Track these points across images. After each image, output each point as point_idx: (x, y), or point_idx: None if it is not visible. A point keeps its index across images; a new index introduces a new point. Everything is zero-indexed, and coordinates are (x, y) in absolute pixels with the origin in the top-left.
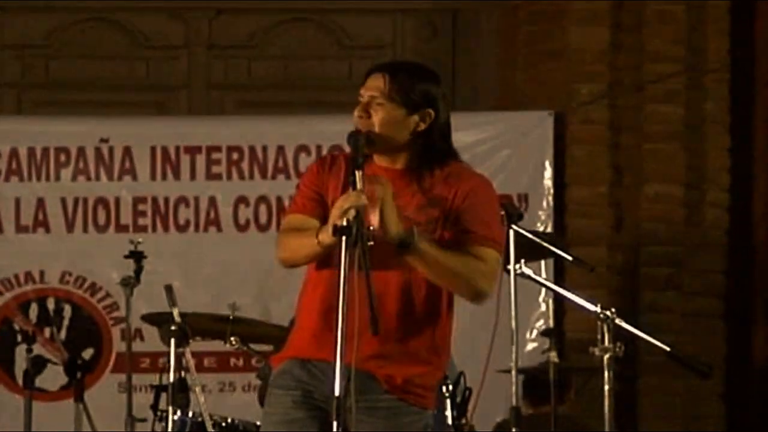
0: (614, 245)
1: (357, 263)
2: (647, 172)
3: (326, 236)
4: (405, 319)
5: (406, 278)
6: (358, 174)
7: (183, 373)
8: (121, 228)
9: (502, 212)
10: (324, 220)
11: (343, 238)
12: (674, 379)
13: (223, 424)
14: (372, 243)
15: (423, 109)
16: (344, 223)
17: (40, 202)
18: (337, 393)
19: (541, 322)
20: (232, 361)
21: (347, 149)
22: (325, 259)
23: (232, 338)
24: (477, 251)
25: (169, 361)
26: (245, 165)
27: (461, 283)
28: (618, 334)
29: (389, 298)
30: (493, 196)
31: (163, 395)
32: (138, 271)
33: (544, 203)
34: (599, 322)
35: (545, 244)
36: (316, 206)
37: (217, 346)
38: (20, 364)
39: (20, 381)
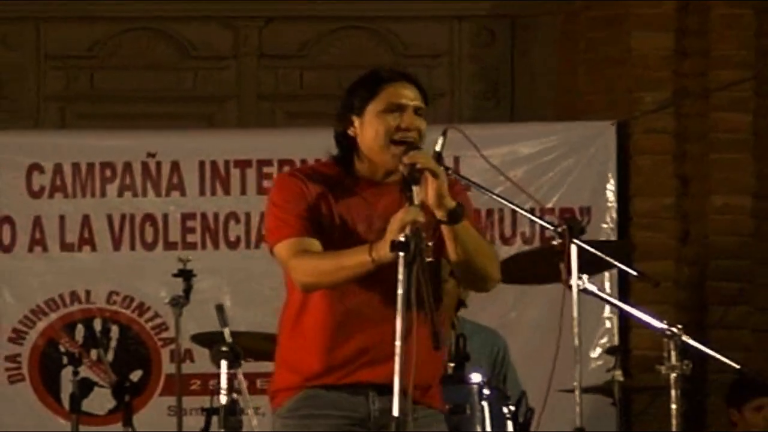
0: (681, 259)
1: (416, 279)
2: (714, 183)
3: (384, 253)
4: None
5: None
6: (415, 189)
7: (235, 396)
8: (169, 245)
9: (563, 225)
10: (331, 241)
11: (401, 254)
12: None
13: None
14: (431, 259)
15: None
16: (402, 239)
17: (86, 219)
18: (395, 413)
19: (606, 339)
20: None
21: None
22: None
23: None
24: (488, 242)
25: (220, 382)
26: None
27: (484, 264)
28: (685, 351)
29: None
30: (465, 192)
31: (215, 418)
32: (187, 289)
33: (608, 216)
34: (666, 339)
35: (609, 259)
36: (314, 227)
37: (269, 366)
38: (66, 387)
39: (66, 405)
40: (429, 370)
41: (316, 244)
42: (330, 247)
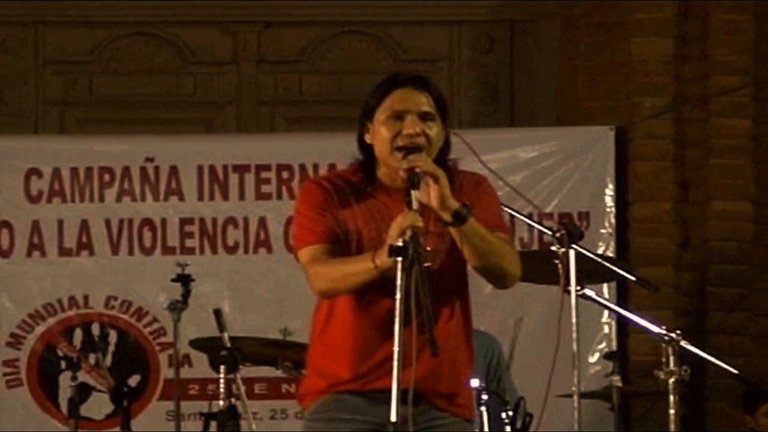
0: (680, 264)
1: (414, 285)
2: (714, 189)
3: (384, 259)
4: (450, 337)
5: (449, 301)
6: (414, 194)
7: (233, 400)
8: (167, 250)
9: (561, 231)
10: (351, 247)
11: (399, 259)
12: None
13: None
14: (429, 264)
15: (445, 123)
16: (400, 244)
17: (84, 224)
18: (393, 418)
19: (604, 344)
20: (284, 387)
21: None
22: (375, 284)
23: (284, 363)
24: (503, 239)
25: (218, 387)
26: (296, 184)
27: (500, 262)
28: (684, 356)
29: (437, 316)
30: (493, 190)
31: (213, 423)
32: (186, 294)
33: (606, 222)
34: (664, 345)
35: (608, 264)
36: (337, 234)
37: (268, 371)
38: (65, 391)
39: (65, 409)
40: (450, 377)
41: (337, 250)
42: (351, 254)
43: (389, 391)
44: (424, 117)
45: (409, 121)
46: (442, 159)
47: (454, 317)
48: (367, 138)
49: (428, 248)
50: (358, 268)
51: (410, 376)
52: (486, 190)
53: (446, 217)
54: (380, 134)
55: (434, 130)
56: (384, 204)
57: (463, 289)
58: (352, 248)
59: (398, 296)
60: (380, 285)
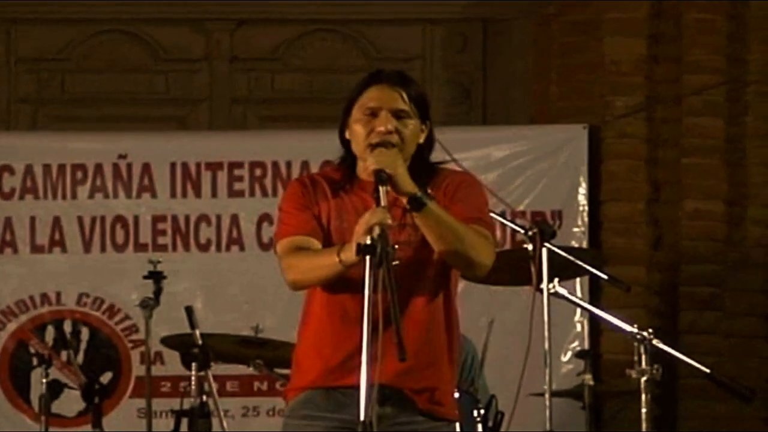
0: (652, 264)
1: (381, 283)
2: (686, 188)
3: (350, 255)
4: (427, 332)
5: (427, 292)
6: (382, 190)
7: (205, 398)
8: (140, 247)
9: (534, 229)
10: (323, 240)
11: (368, 257)
12: (715, 403)
13: None
14: (397, 262)
15: (426, 120)
16: (368, 242)
17: (56, 221)
18: (362, 417)
19: (576, 343)
20: (256, 385)
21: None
22: (338, 280)
23: (255, 361)
24: (474, 228)
25: (190, 385)
26: (268, 181)
27: (465, 250)
28: (656, 355)
29: (412, 310)
30: (479, 187)
31: (184, 420)
32: (157, 292)
33: (579, 220)
34: (636, 344)
35: (579, 263)
36: (315, 226)
37: (240, 369)
38: (36, 388)
39: (36, 406)
40: (428, 371)
41: (313, 242)
42: (325, 244)
43: (352, 390)
44: (398, 114)
45: (381, 118)
46: (422, 155)
47: (433, 308)
48: (347, 134)
49: (396, 246)
50: (325, 262)
51: (379, 373)
52: (468, 185)
53: (404, 202)
54: (355, 131)
55: (409, 127)
56: (361, 199)
57: (443, 279)
58: (332, 243)
59: (366, 294)
60: (349, 282)
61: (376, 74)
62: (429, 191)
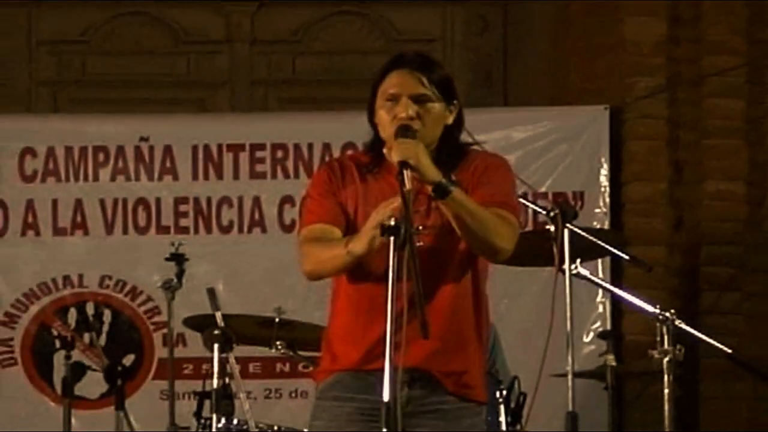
0: (674, 245)
1: (406, 267)
2: (707, 169)
3: (358, 246)
4: (455, 314)
5: (453, 278)
6: (406, 173)
7: (227, 380)
8: (162, 230)
9: (555, 210)
10: (347, 229)
11: (392, 238)
12: (737, 383)
13: None
14: (421, 244)
15: (452, 101)
16: (392, 223)
17: (78, 204)
18: (386, 398)
19: (598, 324)
20: (279, 366)
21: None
22: (361, 267)
23: (277, 343)
24: (498, 213)
25: (212, 367)
26: (290, 163)
27: (488, 236)
28: (678, 336)
29: (439, 295)
30: (508, 172)
31: (207, 402)
32: (180, 274)
33: (601, 201)
34: (658, 324)
35: (601, 243)
36: (337, 214)
37: (262, 351)
38: (59, 371)
39: (59, 389)
40: (456, 354)
41: (334, 231)
42: (348, 234)
43: (381, 373)
44: (419, 99)
45: (402, 104)
46: (450, 137)
47: (460, 292)
48: (375, 118)
49: (421, 227)
50: (335, 252)
51: (407, 356)
52: (495, 168)
53: (429, 190)
54: (381, 116)
55: (432, 111)
56: (388, 183)
57: (470, 264)
58: (358, 227)
59: (390, 276)
60: (374, 268)
61: (398, 58)
62: (453, 177)
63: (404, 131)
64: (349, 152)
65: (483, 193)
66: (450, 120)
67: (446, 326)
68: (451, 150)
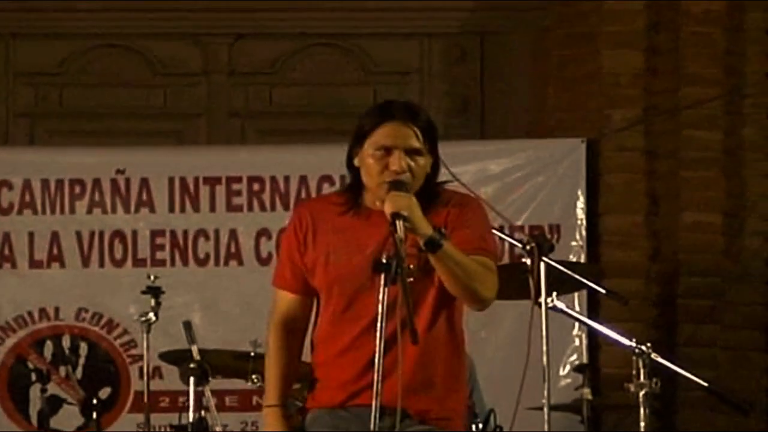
0: (651, 276)
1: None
2: (684, 201)
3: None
4: (427, 354)
5: (427, 318)
6: (399, 223)
7: (203, 413)
8: (138, 262)
9: (532, 243)
10: (318, 277)
11: (382, 275)
12: (714, 416)
13: None
14: (412, 279)
15: (435, 148)
16: (384, 260)
17: (55, 236)
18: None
19: (575, 357)
20: (255, 399)
21: None
22: (348, 305)
23: (254, 376)
24: (481, 261)
25: (188, 400)
26: (266, 196)
27: (475, 286)
28: (655, 369)
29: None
30: (482, 211)
31: None
32: (156, 306)
33: (577, 234)
34: (635, 357)
35: (577, 277)
36: (300, 285)
37: (238, 384)
38: (35, 404)
39: (35, 422)
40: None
41: (297, 305)
42: (324, 276)
43: (369, 407)
44: (411, 152)
45: (395, 157)
46: (428, 183)
47: (435, 331)
48: (356, 161)
49: (411, 266)
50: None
51: (390, 391)
52: (471, 210)
53: (420, 244)
54: (368, 165)
55: (421, 163)
56: (362, 228)
57: (445, 304)
58: (321, 273)
59: (380, 311)
60: (353, 312)
61: (387, 109)
62: (442, 230)
63: (398, 186)
64: (325, 193)
65: (460, 237)
66: (428, 168)
67: (420, 364)
68: (426, 193)
